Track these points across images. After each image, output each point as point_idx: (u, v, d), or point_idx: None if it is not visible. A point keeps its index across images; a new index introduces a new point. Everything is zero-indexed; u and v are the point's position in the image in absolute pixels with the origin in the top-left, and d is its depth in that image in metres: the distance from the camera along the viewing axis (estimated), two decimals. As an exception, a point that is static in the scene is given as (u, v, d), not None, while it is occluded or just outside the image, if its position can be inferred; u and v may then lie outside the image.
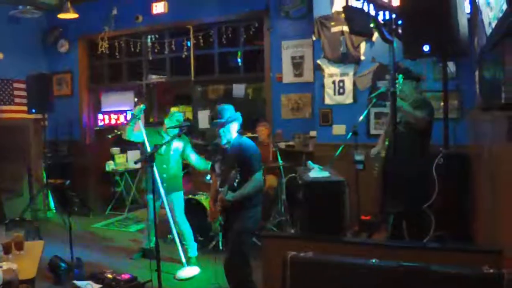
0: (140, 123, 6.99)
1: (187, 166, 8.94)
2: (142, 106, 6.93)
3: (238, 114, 5.35)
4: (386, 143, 5.92)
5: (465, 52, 4.52)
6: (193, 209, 7.71)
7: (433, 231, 4.79)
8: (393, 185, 5.14)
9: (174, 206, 7.08)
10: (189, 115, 11.95)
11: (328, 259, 3.37)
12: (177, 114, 7.25)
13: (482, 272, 2.91)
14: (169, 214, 6.92)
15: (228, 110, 5.33)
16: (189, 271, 6.67)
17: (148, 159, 5.45)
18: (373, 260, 3.18)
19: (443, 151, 4.67)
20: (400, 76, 5.63)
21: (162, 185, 6.90)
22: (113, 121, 11.88)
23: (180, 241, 6.93)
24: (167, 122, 7.08)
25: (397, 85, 5.30)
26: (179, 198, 7.23)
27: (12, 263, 3.89)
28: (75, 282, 5.94)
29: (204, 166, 7.19)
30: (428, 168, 4.87)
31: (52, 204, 10.26)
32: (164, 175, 7.01)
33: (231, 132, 5.29)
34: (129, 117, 10.70)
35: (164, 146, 6.67)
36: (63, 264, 6.43)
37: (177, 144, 7.21)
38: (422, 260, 3.21)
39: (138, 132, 6.97)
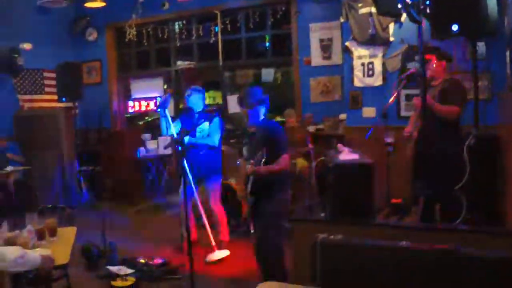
0: (167, 113, 6.91)
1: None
2: (167, 96, 6.85)
3: (266, 97, 5.35)
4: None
5: (494, 32, 4.44)
6: (223, 194, 7.72)
7: (464, 213, 4.75)
8: (424, 167, 5.09)
9: (209, 192, 7.00)
10: (219, 100, 11.98)
11: (358, 242, 3.36)
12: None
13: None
14: (197, 200, 6.89)
15: (257, 92, 5.34)
16: (218, 254, 6.69)
17: (176, 144, 5.44)
18: (403, 243, 3.17)
19: (474, 132, 4.62)
20: None
21: (195, 170, 6.81)
22: (143, 108, 11.97)
23: (210, 226, 6.93)
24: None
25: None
26: (214, 184, 7.07)
27: (46, 249, 3.95)
28: (108, 267, 6.01)
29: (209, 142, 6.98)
30: (459, 149, 4.82)
31: (84, 191, 10.37)
32: (196, 159, 6.84)
33: (259, 114, 5.29)
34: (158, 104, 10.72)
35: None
36: (95, 250, 6.52)
37: (205, 123, 6.90)
38: (453, 243, 3.18)
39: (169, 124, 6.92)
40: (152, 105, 11.76)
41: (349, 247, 3.32)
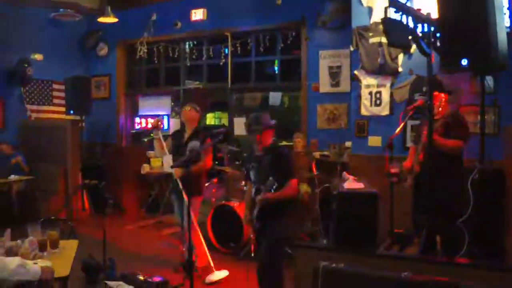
0: (160, 135, 6.89)
1: (220, 172, 8.97)
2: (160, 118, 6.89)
3: (274, 122, 5.37)
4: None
5: (503, 67, 4.47)
6: (226, 216, 7.73)
7: (466, 247, 4.75)
8: (427, 199, 5.10)
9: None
10: (225, 121, 12.00)
11: (359, 271, 3.36)
12: None
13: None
14: (192, 219, 6.76)
15: (265, 117, 5.36)
16: (217, 275, 6.67)
17: (184, 165, 5.44)
18: (405, 274, 3.17)
19: (478, 167, 4.63)
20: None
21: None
22: (149, 125, 11.99)
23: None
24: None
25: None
26: (193, 205, 6.65)
27: (47, 261, 3.96)
28: (107, 282, 5.99)
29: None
30: (463, 183, 4.83)
31: (87, 205, 10.38)
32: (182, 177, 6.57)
33: (267, 139, 5.31)
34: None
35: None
36: (95, 264, 6.51)
37: (194, 144, 6.84)
38: (453, 276, 3.19)
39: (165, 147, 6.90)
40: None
41: (350, 276, 3.32)
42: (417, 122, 7.02)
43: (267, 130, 5.28)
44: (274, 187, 4.93)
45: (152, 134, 7.05)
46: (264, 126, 5.27)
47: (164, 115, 11.62)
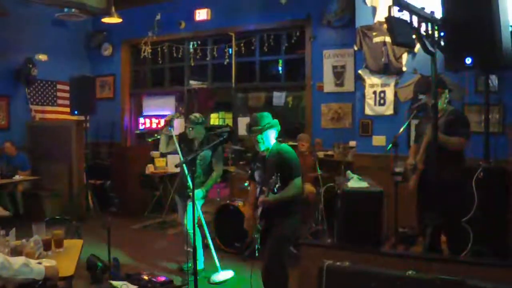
0: (173, 132, 7.00)
1: (225, 172, 8.97)
2: (174, 115, 6.94)
3: (276, 121, 5.32)
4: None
5: (508, 66, 4.46)
6: (230, 215, 7.73)
7: (471, 245, 4.74)
8: (431, 197, 5.09)
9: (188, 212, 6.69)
10: (229, 121, 12.01)
11: (364, 270, 3.36)
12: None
13: (520, 289, 2.88)
14: (202, 219, 6.83)
15: (266, 117, 5.30)
16: (222, 275, 6.67)
17: (189, 163, 5.43)
18: (409, 272, 3.17)
19: (483, 165, 4.62)
20: None
21: (184, 188, 6.73)
22: (154, 125, 12.05)
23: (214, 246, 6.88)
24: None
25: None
26: (197, 205, 6.63)
27: (52, 260, 3.97)
28: (111, 282, 6.00)
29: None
30: (467, 181, 4.82)
31: (91, 204, 10.39)
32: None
33: (269, 139, 5.26)
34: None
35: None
36: (100, 264, 6.52)
37: (206, 153, 6.80)
38: (459, 274, 3.18)
39: (172, 145, 7.02)
40: (163, 123, 11.78)
41: (355, 274, 3.32)
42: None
43: (268, 128, 5.22)
44: (277, 186, 4.89)
45: (158, 135, 7.06)
46: (265, 125, 5.22)
47: (169, 115, 11.61)
